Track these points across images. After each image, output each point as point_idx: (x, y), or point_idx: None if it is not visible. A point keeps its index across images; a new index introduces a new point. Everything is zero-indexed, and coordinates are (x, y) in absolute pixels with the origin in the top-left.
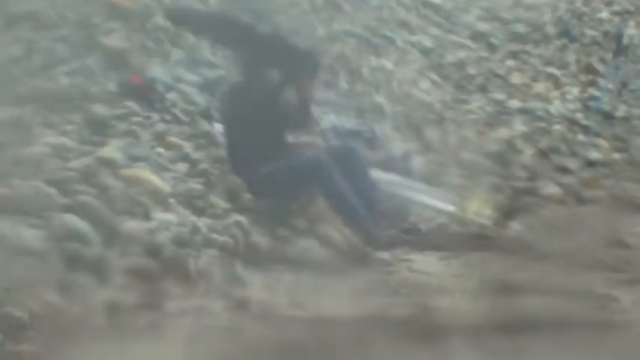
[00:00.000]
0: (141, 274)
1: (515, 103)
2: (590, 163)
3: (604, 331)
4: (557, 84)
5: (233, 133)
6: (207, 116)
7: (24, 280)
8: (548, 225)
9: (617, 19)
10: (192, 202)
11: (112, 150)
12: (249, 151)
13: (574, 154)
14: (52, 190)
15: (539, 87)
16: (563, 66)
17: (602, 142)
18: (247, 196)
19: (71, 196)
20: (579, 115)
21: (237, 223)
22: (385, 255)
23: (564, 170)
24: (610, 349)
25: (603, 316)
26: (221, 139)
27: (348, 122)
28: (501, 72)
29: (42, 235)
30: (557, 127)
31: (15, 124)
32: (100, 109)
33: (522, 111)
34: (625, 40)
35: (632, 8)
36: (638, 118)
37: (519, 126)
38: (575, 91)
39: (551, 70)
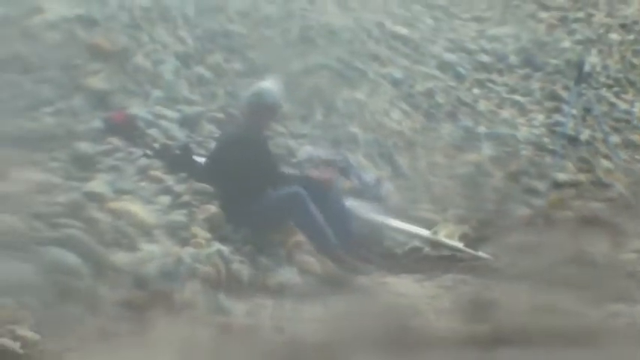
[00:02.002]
0: (129, 306)
1: (482, 129)
2: (558, 185)
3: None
4: (522, 110)
5: (226, 181)
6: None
7: (16, 313)
8: (518, 246)
9: (579, 47)
10: (176, 233)
11: (97, 184)
12: (241, 193)
13: (542, 176)
14: (39, 224)
15: (505, 114)
16: (527, 93)
17: (568, 165)
18: (227, 226)
19: (59, 230)
20: (545, 140)
21: (219, 252)
22: (363, 279)
23: (533, 192)
24: None
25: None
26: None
27: (324, 152)
28: (469, 100)
29: (32, 269)
30: (524, 151)
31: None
32: (85, 147)
33: (490, 136)
34: (586, 68)
35: (594, 37)
36: (601, 142)
37: (487, 150)
38: (540, 117)
39: (516, 97)
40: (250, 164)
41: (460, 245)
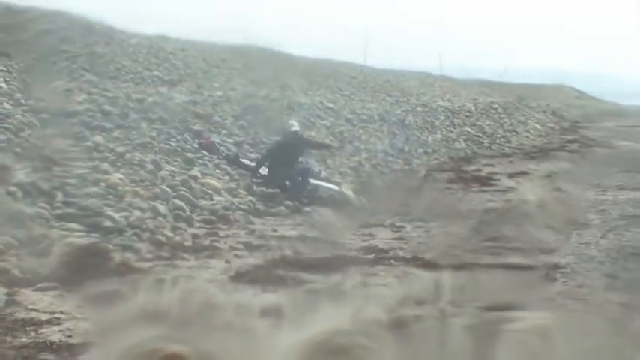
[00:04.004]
0: (208, 223)
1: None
2: (393, 171)
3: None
4: (379, 138)
5: (272, 163)
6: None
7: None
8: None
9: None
10: (231, 192)
11: (194, 172)
12: (278, 169)
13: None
14: (166, 189)
15: (364, 137)
16: (381, 131)
17: (399, 161)
18: (255, 187)
19: (176, 192)
20: (389, 150)
21: (250, 200)
22: (308, 209)
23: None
24: None
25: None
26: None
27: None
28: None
29: (164, 208)
30: (379, 154)
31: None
32: (189, 155)
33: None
34: (406, 122)
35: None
36: (413, 151)
37: (364, 155)
38: (387, 141)
39: (378, 133)
40: (283, 154)
41: (352, 194)
